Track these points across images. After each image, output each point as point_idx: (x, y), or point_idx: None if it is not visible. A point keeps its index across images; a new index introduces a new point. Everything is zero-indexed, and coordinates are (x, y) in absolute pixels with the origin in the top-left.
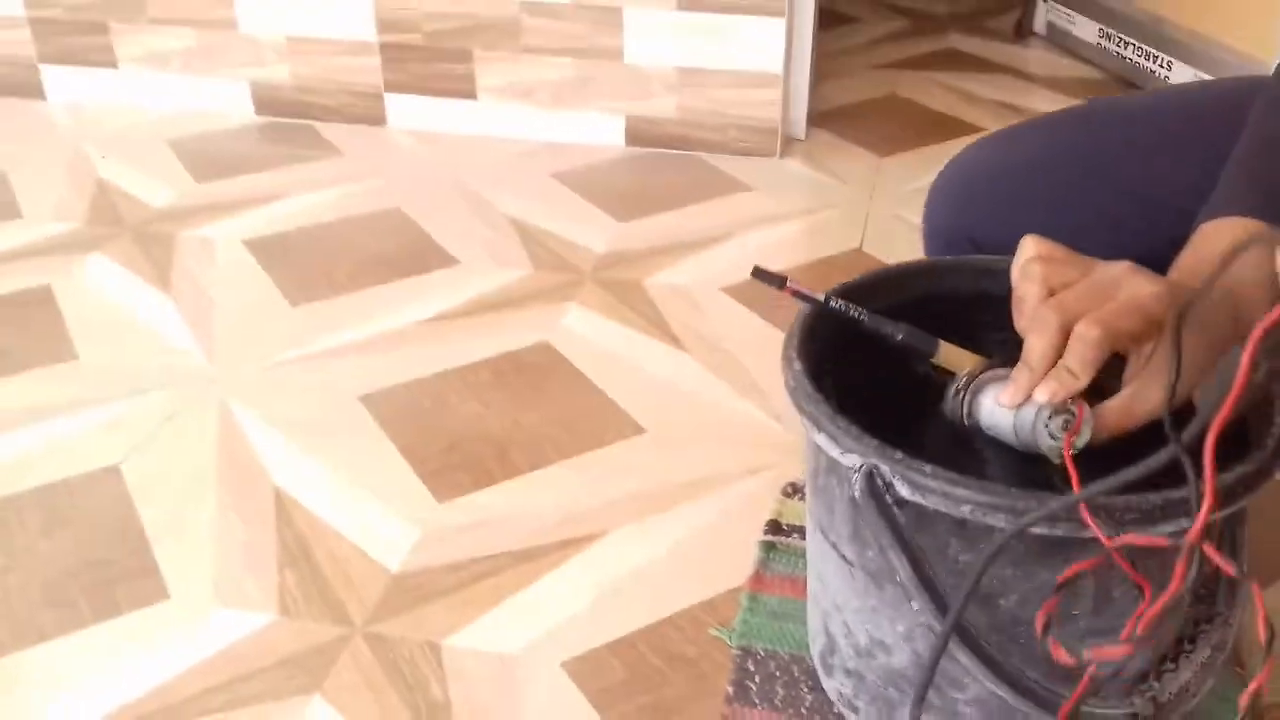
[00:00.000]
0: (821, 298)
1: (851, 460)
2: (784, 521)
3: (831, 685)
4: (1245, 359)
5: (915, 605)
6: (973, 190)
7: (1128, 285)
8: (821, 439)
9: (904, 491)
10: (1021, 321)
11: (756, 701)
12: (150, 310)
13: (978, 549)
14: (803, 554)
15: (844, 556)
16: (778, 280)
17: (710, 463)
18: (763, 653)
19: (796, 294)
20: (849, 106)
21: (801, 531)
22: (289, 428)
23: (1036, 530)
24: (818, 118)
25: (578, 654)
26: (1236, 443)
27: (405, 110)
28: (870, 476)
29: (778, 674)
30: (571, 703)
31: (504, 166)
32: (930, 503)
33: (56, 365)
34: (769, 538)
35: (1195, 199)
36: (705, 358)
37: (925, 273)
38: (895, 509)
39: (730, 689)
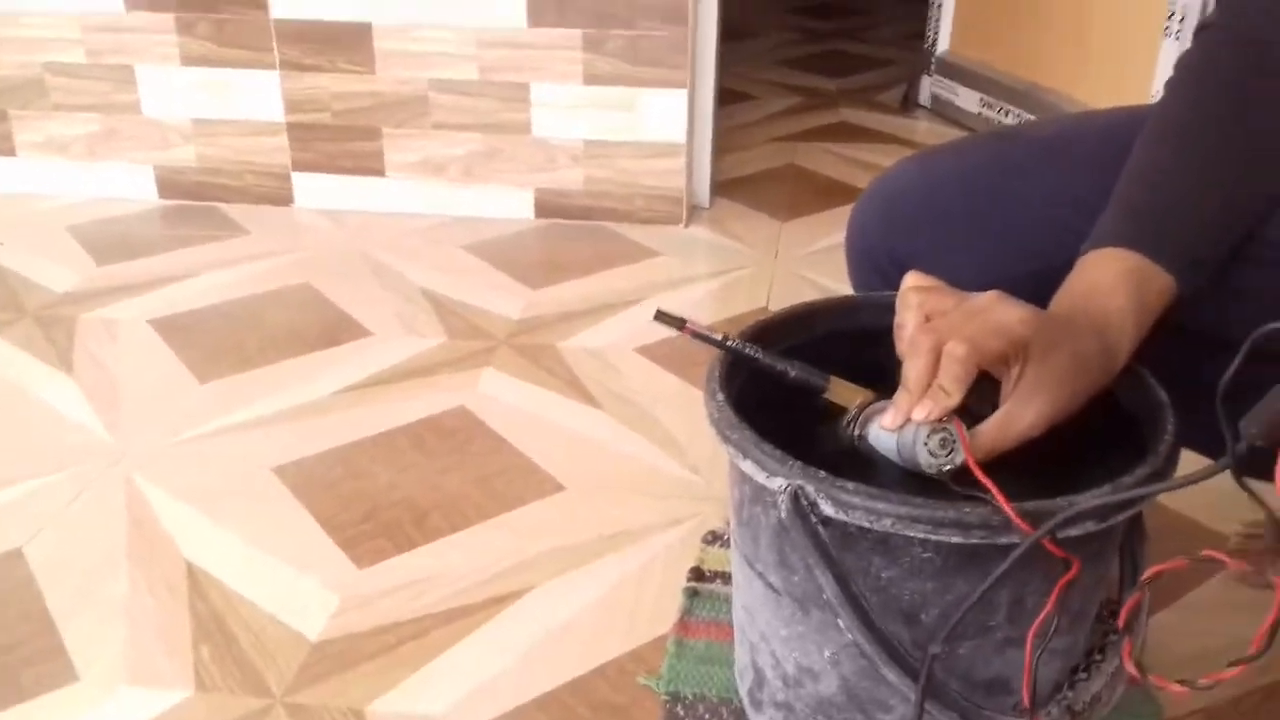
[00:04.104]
0: (719, 337)
1: (777, 483)
2: (706, 569)
3: None
4: None
5: (843, 622)
6: (892, 210)
7: (994, 310)
8: (748, 465)
9: (828, 510)
10: (901, 347)
11: None
12: (52, 392)
13: (899, 565)
14: (726, 599)
15: (770, 585)
16: (677, 322)
17: (631, 516)
18: (691, 697)
19: (696, 335)
20: (749, 176)
21: (724, 578)
22: (199, 500)
23: (955, 540)
24: (720, 187)
25: (506, 711)
26: (1119, 452)
27: (313, 189)
28: (795, 497)
29: (707, 717)
30: None
31: (414, 240)
32: (853, 519)
33: None
34: (692, 584)
35: (1089, 218)
36: (621, 415)
37: (835, 309)
38: (820, 528)
39: None
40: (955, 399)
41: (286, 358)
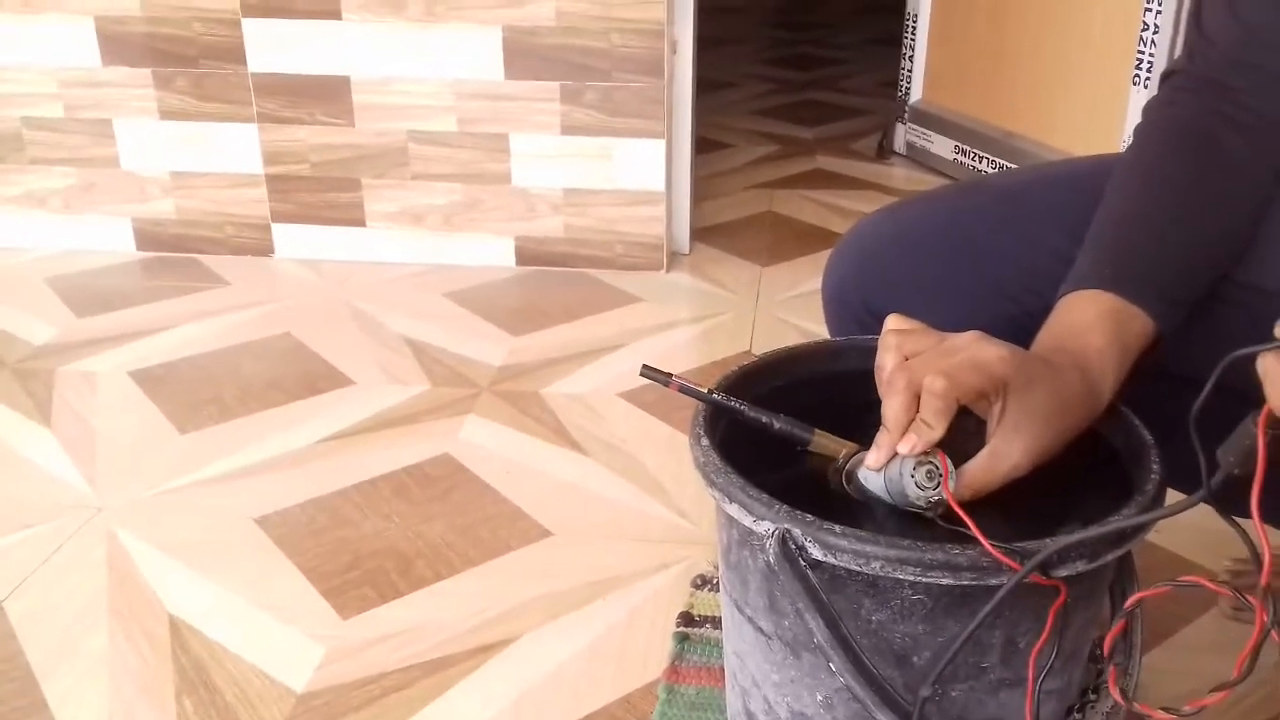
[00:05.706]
0: (704, 390)
1: (764, 527)
2: (696, 613)
3: None
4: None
5: (834, 665)
6: (866, 264)
7: (972, 348)
8: (734, 509)
9: (816, 553)
10: (881, 387)
11: None
12: (30, 445)
13: (889, 607)
14: (717, 644)
15: (760, 629)
16: (664, 377)
17: (619, 561)
18: None
19: (682, 389)
20: (729, 223)
21: (714, 622)
22: (180, 552)
23: (945, 582)
24: (700, 233)
25: None
26: (1100, 492)
27: (294, 240)
28: (783, 541)
29: None
30: None
31: (395, 289)
32: (841, 561)
33: None
34: (682, 629)
35: (1064, 265)
36: (607, 461)
37: (817, 354)
38: (809, 572)
39: None
40: (938, 432)
41: (268, 407)
